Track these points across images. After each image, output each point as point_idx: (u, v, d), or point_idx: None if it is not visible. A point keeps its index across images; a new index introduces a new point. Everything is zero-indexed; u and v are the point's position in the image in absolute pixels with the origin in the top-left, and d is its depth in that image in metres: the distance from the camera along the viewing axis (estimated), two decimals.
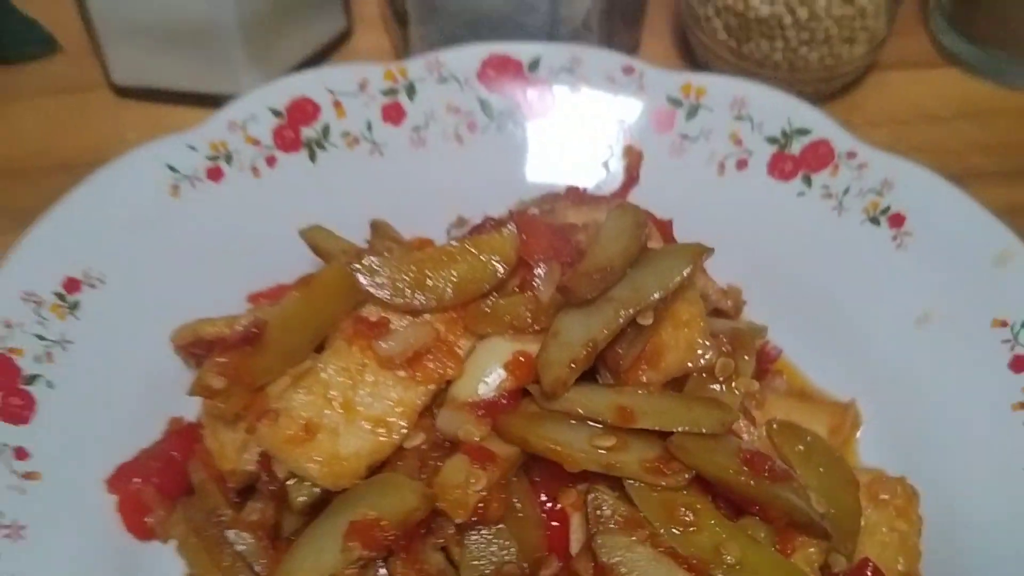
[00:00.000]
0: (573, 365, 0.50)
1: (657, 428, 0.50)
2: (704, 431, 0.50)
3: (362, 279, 0.53)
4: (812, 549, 0.52)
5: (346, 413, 0.51)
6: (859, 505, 0.56)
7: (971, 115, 0.85)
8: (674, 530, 0.49)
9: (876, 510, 0.57)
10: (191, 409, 0.61)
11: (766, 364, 0.62)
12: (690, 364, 0.54)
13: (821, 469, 0.55)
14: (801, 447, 0.56)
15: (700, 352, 0.54)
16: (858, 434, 0.63)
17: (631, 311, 0.51)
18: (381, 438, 0.51)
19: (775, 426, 0.56)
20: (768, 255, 0.67)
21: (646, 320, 0.52)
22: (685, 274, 0.53)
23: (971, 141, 0.83)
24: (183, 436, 0.60)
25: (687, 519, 0.49)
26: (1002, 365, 0.60)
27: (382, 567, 0.50)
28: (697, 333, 0.54)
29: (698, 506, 0.49)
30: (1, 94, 0.84)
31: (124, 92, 0.83)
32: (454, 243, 0.55)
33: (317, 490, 0.51)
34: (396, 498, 0.49)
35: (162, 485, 0.58)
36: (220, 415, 0.57)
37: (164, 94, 0.81)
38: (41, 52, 0.87)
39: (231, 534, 0.54)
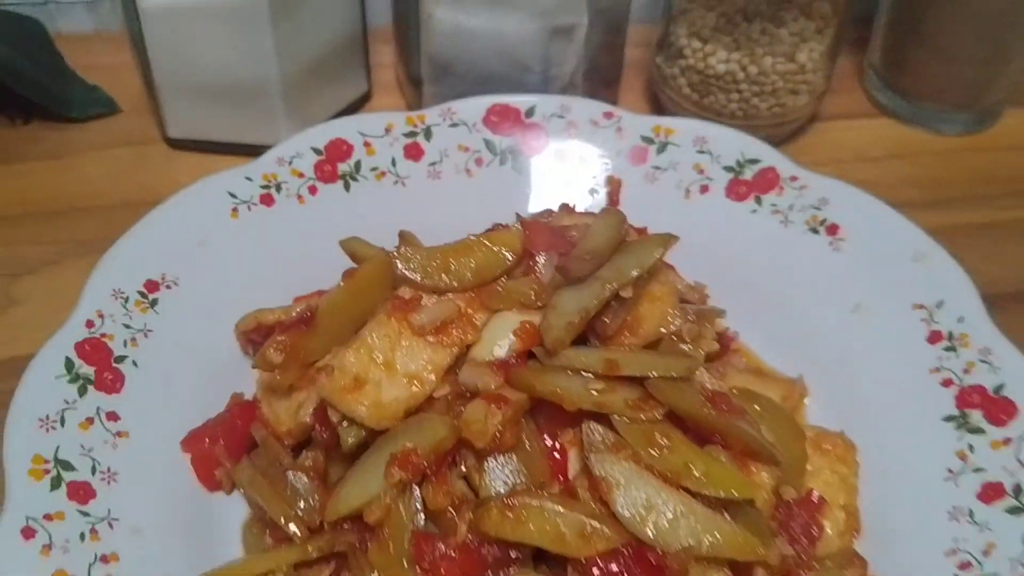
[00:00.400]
0: (569, 327, 0.63)
1: (637, 375, 0.61)
2: (674, 375, 0.62)
3: (400, 264, 0.66)
4: (764, 474, 0.64)
5: (387, 370, 0.63)
6: (805, 452, 0.68)
7: (902, 155, 0.99)
8: (652, 452, 0.60)
9: (820, 457, 0.69)
10: (249, 388, 0.73)
11: (726, 345, 0.74)
12: (663, 330, 0.66)
13: (774, 425, 0.67)
14: (757, 407, 0.68)
15: (671, 320, 0.66)
16: (805, 403, 0.75)
17: (615, 285, 0.64)
18: (415, 389, 0.63)
19: (734, 391, 0.68)
20: (727, 261, 0.79)
21: (627, 293, 0.64)
22: (658, 255, 0.66)
23: (902, 177, 0.97)
24: (244, 408, 0.71)
25: (662, 443, 0.60)
26: (921, 339, 0.72)
27: (416, 490, 0.62)
28: (668, 306, 0.67)
29: (671, 435, 0.61)
30: (69, 147, 0.97)
31: (177, 144, 0.96)
32: (472, 237, 0.68)
33: (363, 432, 0.63)
34: (428, 432, 0.61)
35: (227, 446, 0.69)
36: (275, 387, 0.69)
37: (212, 145, 0.94)
38: (103, 112, 1.00)
39: (290, 475, 0.65)
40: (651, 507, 0.58)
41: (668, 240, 0.67)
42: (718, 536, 0.58)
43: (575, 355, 0.63)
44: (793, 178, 0.81)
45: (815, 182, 0.80)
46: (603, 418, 0.62)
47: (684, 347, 0.66)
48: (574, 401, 0.61)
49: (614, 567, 0.58)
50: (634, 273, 0.65)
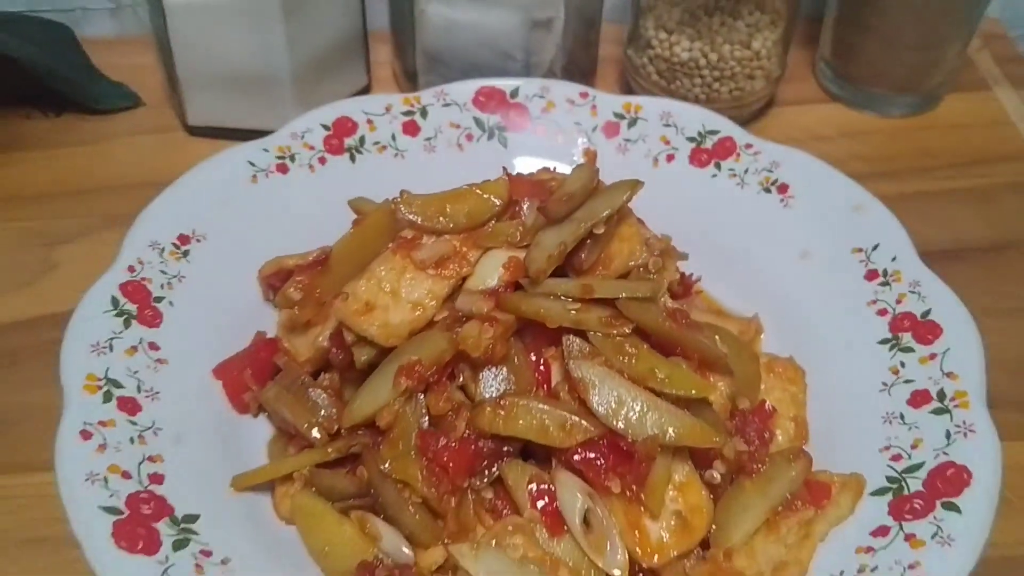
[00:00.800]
0: (550, 259, 0.73)
1: (609, 296, 0.71)
2: (640, 296, 0.72)
3: (403, 208, 0.76)
4: (721, 384, 0.74)
5: (393, 297, 0.73)
6: (759, 372, 0.78)
7: (851, 135, 1.10)
8: (622, 359, 0.69)
9: (772, 378, 0.79)
10: (271, 330, 0.83)
11: (688, 287, 0.84)
12: (631, 263, 0.76)
13: (731, 349, 0.77)
14: (717, 337, 0.78)
15: (638, 254, 0.77)
16: (760, 338, 0.85)
17: (589, 224, 0.74)
18: (418, 313, 0.72)
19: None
20: (691, 220, 0.88)
21: (600, 230, 0.74)
22: (625, 198, 0.76)
23: (851, 153, 1.07)
24: (267, 343, 0.80)
25: (631, 352, 0.70)
26: (859, 277, 0.82)
27: (421, 398, 0.71)
28: (636, 244, 0.77)
29: (638, 346, 0.70)
30: (98, 136, 1.07)
31: (195, 131, 1.06)
32: (464, 187, 0.78)
33: (373, 351, 0.73)
34: (430, 346, 0.70)
35: (254, 374, 0.79)
36: (295, 323, 0.79)
37: (227, 131, 1.05)
38: (127, 105, 1.10)
39: (311, 391, 0.74)
40: (622, 403, 0.68)
41: (635, 185, 0.77)
42: (679, 427, 0.67)
43: (555, 283, 0.73)
44: (748, 146, 0.91)
45: (767, 148, 0.90)
46: (580, 334, 0.71)
47: (650, 277, 0.76)
48: (555, 319, 0.71)
49: (591, 454, 0.67)
50: (605, 213, 0.75)
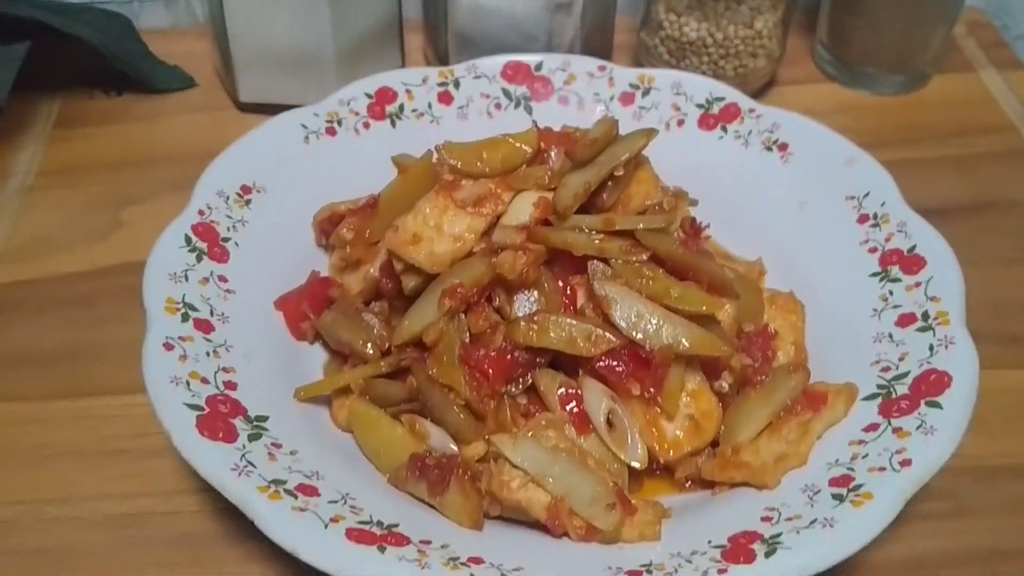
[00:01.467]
0: (576, 196, 0.82)
1: (629, 228, 0.80)
2: (655, 227, 0.81)
3: (445, 154, 0.85)
4: (728, 306, 0.83)
5: (437, 231, 0.81)
6: (763, 301, 0.87)
7: (845, 111, 1.19)
8: (640, 281, 0.78)
9: (774, 310, 0.86)
10: (324, 270, 0.92)
11: (697, 231, 0.93)
12: (647, 202, 0.86)
13: (737, 283, 0.86)
14: (724, 267, 0.87)
15: (653, 195, 0.86)
16: (764, 279, 0.94)
17: (611, 165, 0.83)
18: (459, 244, 0.80)
19: None
20: (700, 179, 0.95)
21: (620, 172, 0.84)
22: (643, 143, 0.85)
23: (845, 126, 1.14)
24: (321, 281, 0.89)
25: (648, 276, 0.78)
26: (852, 221, 0.90)
27: (462, 317, 0.80)
28: (651, 187, 0.87)
29: (654, 271, 0.78)
30: (156, 113, 1.17)
31: (246, 108, 1.16)
32: (498, 136, 0.87)
33: (420, 278, 0.82)
34: (470, 270, 0.79)
35: (311, 304, 0.88)
36: (346, 261, 0.88)
37: (275, 108, 1.14)
38: (183, 86, 1.20)
39: (364, 316, 0.84)
40: (640, 317, 0.76)
41: (651, 132, 0.86)
42: (691, 337, 0.76)
43: (580, 218, 0.82)
44: (751, 110, 1.00)
45: (768, 112, 1.00)
46: (603, 261, 0.80)
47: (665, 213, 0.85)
48: (580, 248, 0.79)
49: (614, 362, 0.76)
50: (625, 156, 0.84)
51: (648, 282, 0.78)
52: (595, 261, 0.80)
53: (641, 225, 0.81)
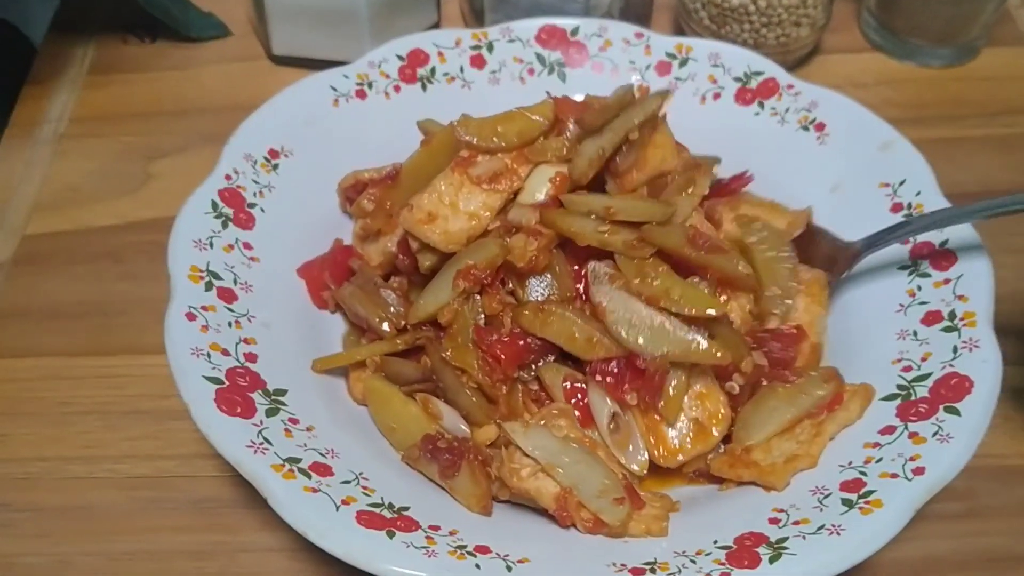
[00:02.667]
0: (591, 162, 0.79)
1: (628, 219, 0.77)
2: (657, 221, 0.78)
3: (460, 130, 0.84)
4: (743, 299, 0.81)
5: (452, 209, 0.80)
6: (793, 274, 0.84)
7: (888, 83, 1.16)
8: (642, 281, 0.76)
9: (802, 296, 0.87)
10: (347, 236, 0.92)
11: (740, 181, 0.90)
12: (663, 167, 0.84)
13: (769, 253, 0.85)
14: (754, 238, 0.85)
15: (669, 161, 0.84)
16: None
17: (624, 130, 0.81)
18: (474, 223, 0.80)
19: (744, 216, 0.86)
20: (734, 156, 0.94)
21: (634, 135, 0.81)
22: (656, 105, 0.82)
23: (888, 99, 1.14)
24: (344, 249, 0.89)
25: (650, 275, 0.76)
26: (885, 210, 0.89)
27: (476, 298, 0.79)
28: (668, 151, 0.84)
29: (658, 268, 0.76)
30: (190, 62, 1.17)
31: (279, 61, 1.15)
32: (514, 110, 0.86)
33: (435, 257, 0.82)
34: (484, 251, 0.78)
35: (332, 275, 0.88)
36: (367, 231, 0.88)
37: (307, 61, 1.14)
38: (216, 34, 1.19)
39: (382, 291, 0.83)
40: (635, 326, 0.75)
41: (666, 95, 0.84)
42: (684, 347, 0.74)
43: (584, 199, 0.80)
44: (789, 86, 0.98)
45: (807, 89, 0.97)
46: (609, 254, 0.79)
47: (683, 194, 0.83)
48: (585, 238, 0.77)
49: (609, 370, 0.75)
50: (638, 119, 0.81)
51: (651, 281, 0.76)
52: (594, 263, 0.78)
53: (642, 217, 0.78)
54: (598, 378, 0.75)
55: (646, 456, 0.74)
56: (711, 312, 0.74)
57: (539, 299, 0.79)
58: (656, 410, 0.75)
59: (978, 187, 1.04)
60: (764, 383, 0.79)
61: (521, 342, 0.77)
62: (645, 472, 0.74)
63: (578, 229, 0.78)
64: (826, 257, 0.87)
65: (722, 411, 0.76)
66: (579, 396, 0.76)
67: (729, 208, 0.85)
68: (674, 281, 0.76)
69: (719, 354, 0.74)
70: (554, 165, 0.83)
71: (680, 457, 0.75)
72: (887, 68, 1.18)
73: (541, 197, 0.81)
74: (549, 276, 0.80)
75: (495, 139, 0.83)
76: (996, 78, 1.17)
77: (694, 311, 0.74)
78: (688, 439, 0.75)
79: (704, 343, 0.74)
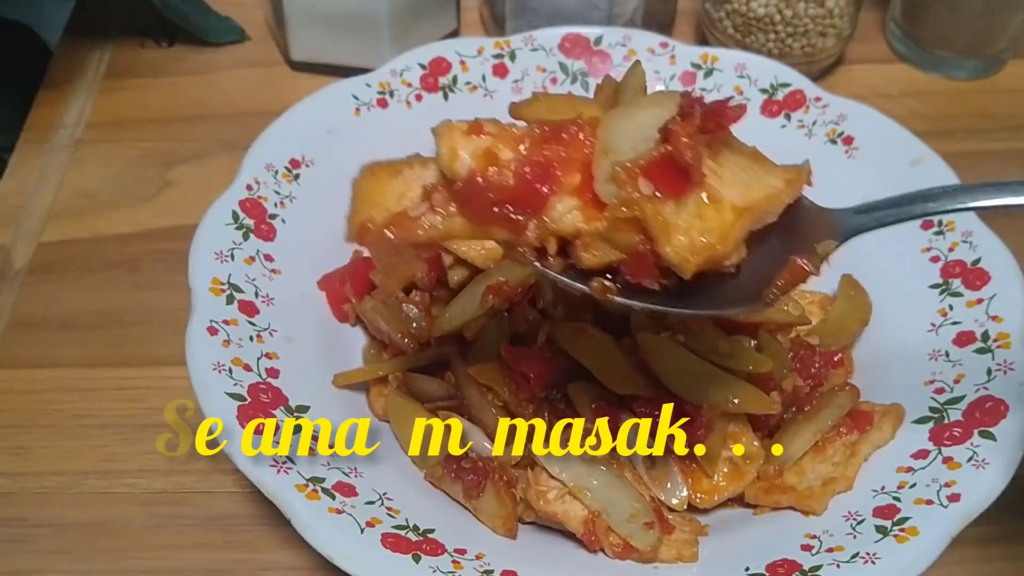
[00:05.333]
0: None
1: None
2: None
3: None
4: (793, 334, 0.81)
5: None
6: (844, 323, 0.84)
7: (914, 94, 1.15)
8: (686, 336, 0.75)
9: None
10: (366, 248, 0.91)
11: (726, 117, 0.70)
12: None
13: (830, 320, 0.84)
14: (788, 307, 0.83)
15: None
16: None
17: None
18: None
19: None
20: None
21: None
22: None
23: (914, 112, 1.12)
24: (364, 261, 0.88)
25: (695, 330, 0.75)
26: (915, 226, 0.87)
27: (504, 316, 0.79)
28: None
29: (705, 326, 0.76)
30: (208, 66, 1.15)
31: (298, 67, 1.14)
32: None
33: (467, 271, 0.81)
34: (518, 268, 0.78)
35: (352, 287, 0.87)
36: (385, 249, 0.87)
37: (326, 67, 1.12)
38: (235, 39, 1.17)
39: (404, 306, 0.82)
40: (686, 373, 0.73)
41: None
42: (742, 396, 0.73)
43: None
44: (817, 99, 0.97)
45: (835, 102, 0.96)
46: None
47: None
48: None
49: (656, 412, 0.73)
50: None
51: (695, 336, 0.75)
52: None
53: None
54: (639, 411, 0.74)
55: (686, 493, 0.73)
56: (756, 370, 0.74)
57: (576, 321, 0.77)
58: (695, 459, 0.73)
59: None
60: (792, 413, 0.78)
61: (550, 362, 0.76)
62: (684, 508, 0.73)
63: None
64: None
65: (755, 451, 0.74)
66: (608, 418, 0.74)
67: (709, 153, 0.64)
68: (719, 337, 0.75)
69: (775, 405, 0.73)
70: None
71: (716, 498, 0.74)
72: (913, 79, 1.16)
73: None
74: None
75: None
76: (1023, 90, 1.15)
77: (740, 367, 0.74)
78: (723, 479, 0.74)
79: (758, 393, 0.73)
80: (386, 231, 0.59)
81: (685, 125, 0.55)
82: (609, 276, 0.58)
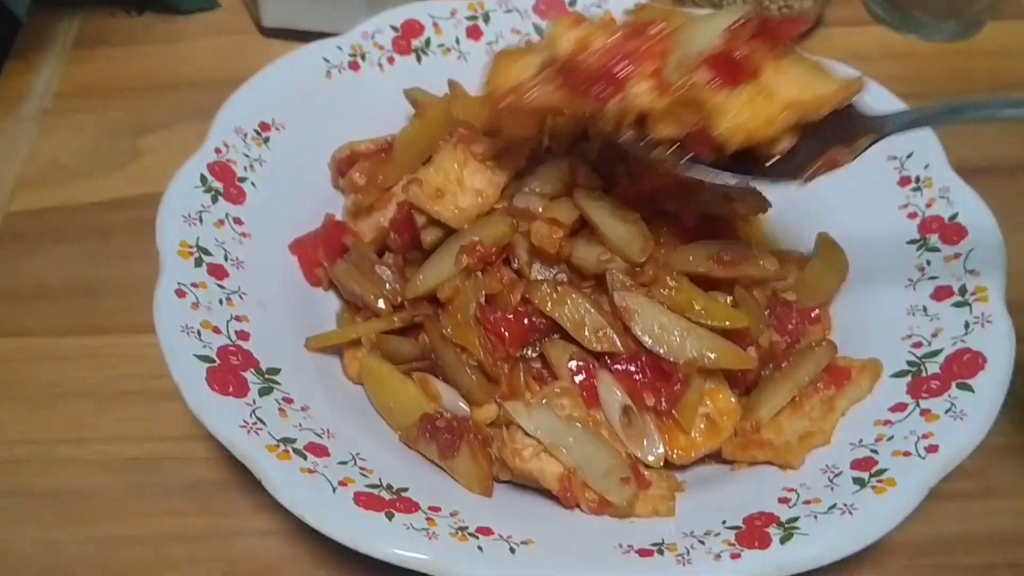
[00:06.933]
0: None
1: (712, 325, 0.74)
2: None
3: (457, 110, 0.82)
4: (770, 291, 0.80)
5: (459, 185, 0.78)
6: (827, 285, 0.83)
7: (892, 57, 1.14)
8: (662, 291, 0.74)
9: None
10: (339, 212, 0.90)
11: (791, 29, 0.73)
12: None
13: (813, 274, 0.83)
14: (763, 262, 0.80)
15: None
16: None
17: None
18: (480, 200, 0.78)
19: None
20: None
21: None
22: None
23: (892, 74, 1.10)
24: (336, 225, 0.87)
25: (671, 286, 0.74)
26: (893, 183, 0.86)
27: (478, 276, 0.78)
28: None
29: (679, 280, 0.75)
30: (178, 35, 1.14)
31: (270, 33, 1.13)
32: None
33: (442, 232, 0.79)
34: (492, 229, 0.76)
35: (325, 251, 0.85)
36: (359, 207, 0.85)
37: (299, 34, 1.11)
38: (205, 7, 1.16)
39: (377, 268, 0.81)
40: (663, 329, 0.73)
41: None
42: (718, 351, 0.73)
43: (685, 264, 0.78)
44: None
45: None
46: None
47: None
48: (588, 269, 0.76)
49: (632, 368, 0.73)
50: None
51: (670, 292, 0.75)
52: (615, 271, 0.76)
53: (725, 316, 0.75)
54: (617, 374, 0.73)
55: (663, 450, 0.72)
56: (732, 325, 0.74)
57: (553, 278, 0.76)
58: (671, 416, 0.73)
59: (983, 161, 1.01)
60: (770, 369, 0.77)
61: (526, 321, 0.75)
62: (660, 465, 0.72)
63: (581, 261, 0.77)
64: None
65: (732, 407, 0.74)
66: (583, 375, 0.73)
67: (773, 58, 0.70)
68: (694, 293, 0.75)
69: (752, 360, 0.73)
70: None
71: (693, 454, 0.73)
72: (891, 42, 1.16)
73: (555, 188, 0.79)
74: (564, 264, 0.77)
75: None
76: (1001, 53, 1.15)
77: (716, 323, 0.73)
78: (700, 436, 0.73)
79: (734, 349, 0.73)
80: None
81: (744, 29, 0.67)
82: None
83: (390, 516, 0.65)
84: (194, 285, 0.76)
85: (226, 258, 0.80)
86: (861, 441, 0.72)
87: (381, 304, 0.79)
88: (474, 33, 0.99)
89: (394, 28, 0.97)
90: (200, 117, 0.93)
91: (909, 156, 0.88)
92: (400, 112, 0.92)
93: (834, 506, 0.66)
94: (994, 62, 1.14)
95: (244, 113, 0.88)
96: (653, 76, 0.67)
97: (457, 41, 0.99)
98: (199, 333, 0.73)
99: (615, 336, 0.73)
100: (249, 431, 0.68)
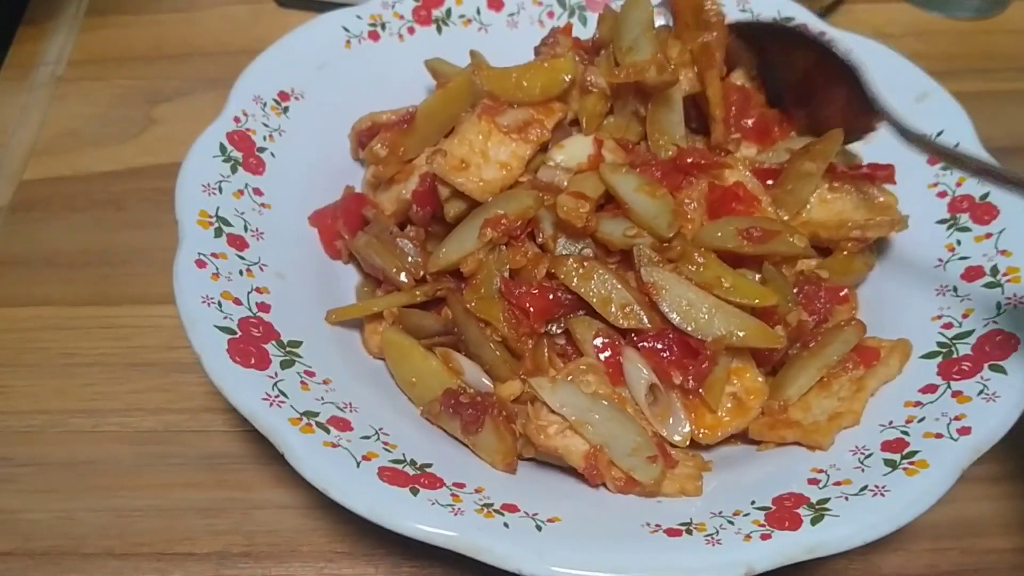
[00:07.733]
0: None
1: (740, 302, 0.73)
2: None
3: (479, 80, 0.79)
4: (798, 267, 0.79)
5: (483, 157, 0.77)
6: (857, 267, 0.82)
7: (917, 34, 1.12)
8: (690, 268, 0.73)
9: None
10: (358, 182, 0.88)
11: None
12: None
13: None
14: (793, 237, 0.80)
15: None
16: None
17: None
18: (505, 172, 0.77)
19: None
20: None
21: None
22: None
23: (916, 51, 1.08)
24: (356, 197, 0.86)
25: (699, 262, 0.73)
26: (922, 161, 0.86)
27: (502, 249, 0.76)
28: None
29: (707, 256, 0.74)
30: (193, 4, 1.12)
31: (285, 2, 1.12)
32: (534, 62, 0.82)
33: (464, 204, 0.78)
34: (517, 202, 0.75)
35: (346, 223, 0.84)
36: (380, 179, 0.84)
37: (315, 3, 1.09)
38: None
39: (399, 241, 0.80)
40: (691, 306, 0.72)
41: None
42: (746, 329, 0.71)
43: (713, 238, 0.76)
44: (821, 33, 0.94)
45: (839, 36, 0.93)
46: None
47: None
48: (615, 244, 0.75)
49: (659, 345, 0.72)
50: None
51: (699, 269, 0.73)
52: (640, 246, 0.74)
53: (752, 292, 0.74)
54: (643, 351, 0.72)
55: (689, 429, 0.71)
56: (761, 303, 0.72)
57: (578, 253, 0.75)
58: (697, 395, 0.71)
59: (1008, 141, 1.01)
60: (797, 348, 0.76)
61: (551, 296, 0.74)
62: (687, 444, 0.71)
63: (607, 235, 0.75)
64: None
65: (759, 386, 0.73)
66: (609, 352, 0.72)
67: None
68: (724, 270, 0.73)
69: (781, 338, 0.71)
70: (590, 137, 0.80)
71: (720, 433, 0.72)
72: (915, 19, 1.14)
73: (576, 163, 0.79)
74: (589, 239, 0.76)
75: (519, 93, 0.80)
76: None
77: (744, 300, 0.72)
78: (726, 414, 0.72)
79: (762, 327, 0.72)
80: None
81: None
82: None
83: (415, 491, 0.64)
84: (214, 255, 0.75)
85: (246, 228, 0.79)
86: (891, 422, 0.71)
87: (403, 277, 0.78)
88: (495, 4, 0.98)
89: None
90: (214, 87, 0.92)
91: (939, 134, 0.86)
92: (419, 83, 0.90)
93: (865, 487, 0.65)
94: (1018, 40, 1.12)
95: (263, 82, 0.87)
96: None
97: (478, 12, 0.97)
98: (219, 304, 0.72)
99: (642, 312, 0.72)
100: (271, 404, 0.67)
